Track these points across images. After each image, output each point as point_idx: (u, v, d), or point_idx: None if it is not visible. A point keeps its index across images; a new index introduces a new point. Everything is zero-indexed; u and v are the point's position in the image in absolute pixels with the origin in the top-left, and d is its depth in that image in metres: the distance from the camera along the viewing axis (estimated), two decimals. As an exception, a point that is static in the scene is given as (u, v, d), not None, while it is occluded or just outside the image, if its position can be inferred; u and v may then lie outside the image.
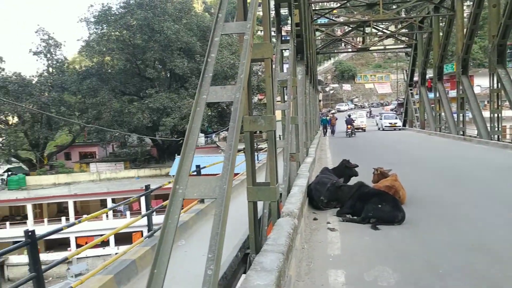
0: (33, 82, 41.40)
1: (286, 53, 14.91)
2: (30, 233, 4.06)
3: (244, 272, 6.09)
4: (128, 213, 32.11)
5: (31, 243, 4.06)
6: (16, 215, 34.81)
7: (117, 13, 41.48)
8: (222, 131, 47.55)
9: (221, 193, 3.18)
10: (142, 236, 27.63)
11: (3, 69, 40.74)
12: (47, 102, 39.78)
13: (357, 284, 4.07)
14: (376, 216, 6.20)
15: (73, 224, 5.08)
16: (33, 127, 41.14)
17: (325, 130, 31.54)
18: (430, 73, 31.49)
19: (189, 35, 39.86)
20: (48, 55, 42.77)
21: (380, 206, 6.28)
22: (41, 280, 4.16)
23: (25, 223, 31.86)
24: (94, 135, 44.23)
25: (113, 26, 40.61)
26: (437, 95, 26.92)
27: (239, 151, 5.89)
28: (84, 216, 5.63)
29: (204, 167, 11.19)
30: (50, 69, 43.33)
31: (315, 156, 12.93)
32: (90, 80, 40.13)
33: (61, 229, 4.70)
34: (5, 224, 30.38)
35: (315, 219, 6.64)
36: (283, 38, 10.61)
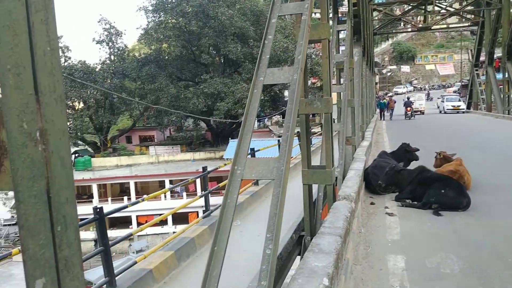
0: (97, 69, 43.68)
1: (341, 35, 14.49)
2: (98, 210, 4.33)
3: (299, 254, 6.12)
4: (184, 194, 33.32)
5: (100, 219, 4.33)
6: (82, 194, 37.33)
7: (173, 1, 42.40)
8: (274, 115, 47.57)
9: (278, 174, 3.18)
10: (197, 216, 28.50)
11: (69, 58, 43.36)
12: (109, 88, 41.89)
13: (418, 270, 3.93)
14: (438, 201, 5.93)
15: (137, 202, 5.36)
16: (97, 112, 43.59)
17: (382, 114, 30.35)
18: (498, 53, 29.27)
19: (242, 20, 39.91)
20: (110, 44, 44.80)
21: (443, 191, 5.99)
22: (109, 253, 4.44)
23: (91, 201, 34.10)
24: (152, 120, 46.03)
25: (170, 14, 41.57)
26: (506, 75, 24.96)
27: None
28: (145, 196, 5.93)
29: (258, 150, 11.28)
30: (112, 57, 45.41)
31: (371, 140, 12.58)
32: (149, 67, 41.58)
33: (126, 207, 4.98)
34: (74, 202, 32.62)
35: (372, 203, 6.49)
36: (339, 19, 10.31)
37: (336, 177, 6.06)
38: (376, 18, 32.52)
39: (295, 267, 6.20)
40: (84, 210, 28.56)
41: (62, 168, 0.90)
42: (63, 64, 42.37)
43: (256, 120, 48.77)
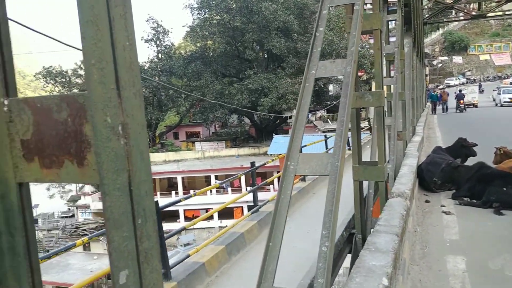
0: (145, 67, 45.14)
1: (390, 25, 13.97)
2: (154, 203, 4.44)
3: (349, 252, 5.99)
4: (229, 189, 33.77)
5: (156, 212, 4.44)
6: (133, 188, 38.82)
7: (218, -3, 42.88)
8: (319, 111, 46.96)
9: (333, 170, 3.11)
10: (242, 211, 28.56)
11: (119, 57, 45.04)
12: (157, 86, 43.17)
13: (481, 272, 3.72)
14: (499, 200, 5.59)
15: (190, 196, 5.47)
16: (146, 109, 45.07)
17: (433, 107, 28.93)
18: None
19: (286, 14, 39.66)
20: (158, 42, 46.10)
21: (505, 189, 5.64)
22: (164, 246, 4.56)
23: (141, 196, 35.40)
24: (198, 116, 46.96)
25: (215, 11, 42.08)
26: None
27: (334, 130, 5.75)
28: (192, 191, 6.03)
29: (305, 145, 11.17)
30: (159, 55, 46.72)
31: (423, 134, 12.09)
32: (195, 64, 42.38)
33: (179, 201, 5.10)
34: (125, 196, 34.12)
35: (427, 201, 6.23)
36: (388, 9, 9.93)
37: (388, 174, 5.86)
38: (426, 7, 31.06)
39: (345, 265, 6.09)
40: (135, 203, 29.63)
41: (142, 162, 0.91)
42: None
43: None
